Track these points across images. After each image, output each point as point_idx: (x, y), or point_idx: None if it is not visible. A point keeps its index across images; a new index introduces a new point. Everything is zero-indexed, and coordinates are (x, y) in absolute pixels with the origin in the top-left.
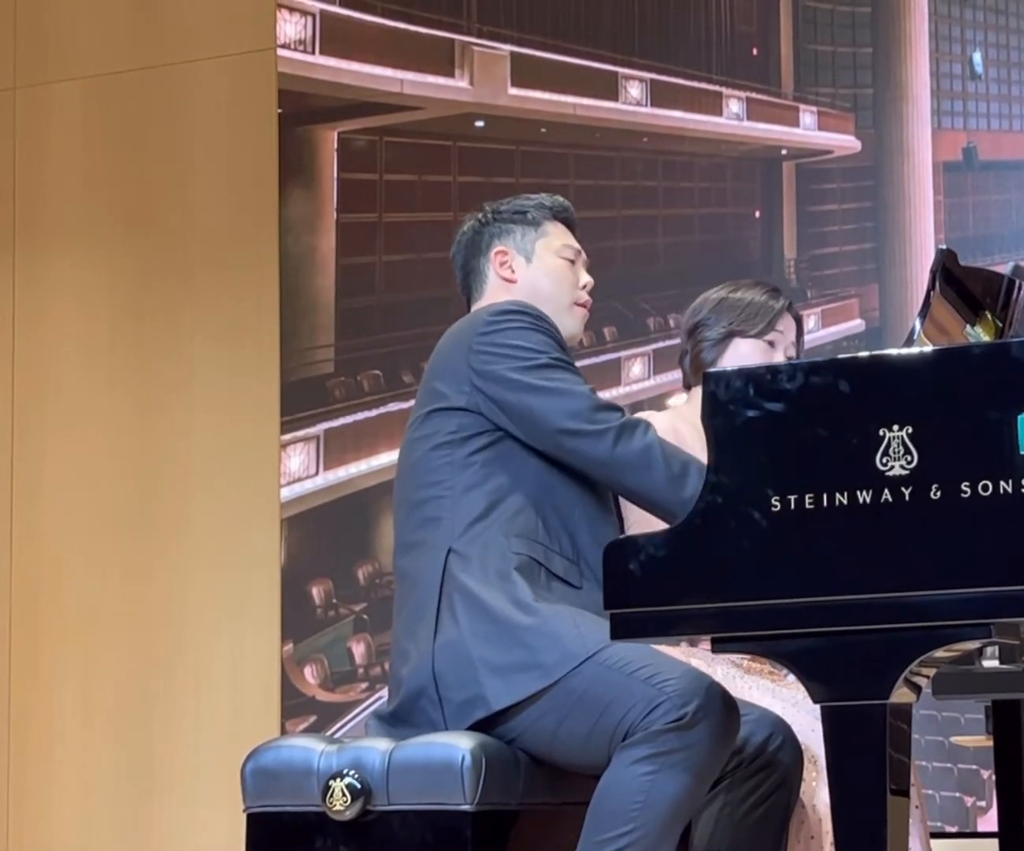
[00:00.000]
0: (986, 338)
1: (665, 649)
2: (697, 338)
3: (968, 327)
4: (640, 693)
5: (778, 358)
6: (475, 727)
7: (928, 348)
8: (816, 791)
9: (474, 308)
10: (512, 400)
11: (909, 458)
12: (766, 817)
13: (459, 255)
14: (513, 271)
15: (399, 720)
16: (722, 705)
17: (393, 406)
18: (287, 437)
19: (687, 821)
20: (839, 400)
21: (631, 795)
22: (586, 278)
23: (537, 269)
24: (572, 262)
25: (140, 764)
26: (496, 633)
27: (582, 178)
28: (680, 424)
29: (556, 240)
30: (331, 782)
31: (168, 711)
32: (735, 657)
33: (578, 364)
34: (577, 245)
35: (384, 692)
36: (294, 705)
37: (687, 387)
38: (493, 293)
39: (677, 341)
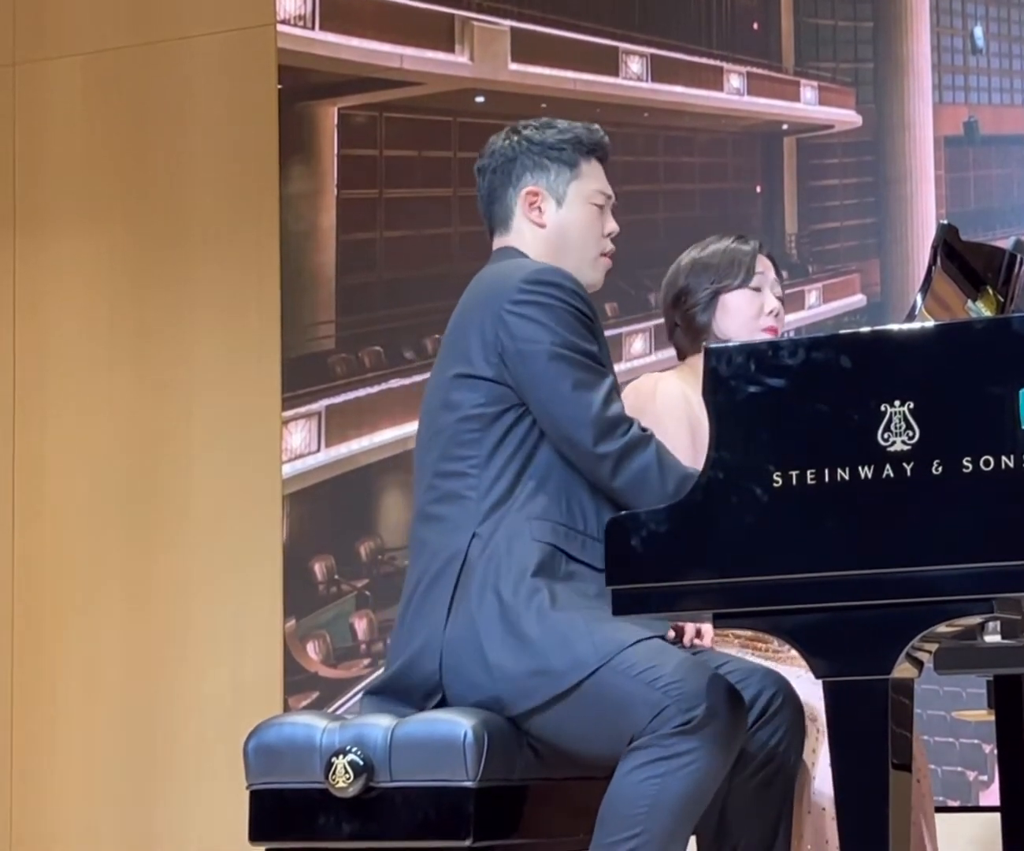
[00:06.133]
0: (987, 313)
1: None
2: (684, 307)
3: (969, 302)
4: (646, 697)
5: (767, 299)
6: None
7: (929, 323)
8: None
9: (498, 243)
10: (530, 385)
11: (911, 433)
12: (769, 784)
13: (486, 178)
14: (542, 213)
15: (394, 693)
16: (728, 706)
17: (394, 382)
18: (288, 413)
19: (696, 820)
20: (840, 375)
21: (637, 800)
22: (612, 225)
23: (567, 215)
24: (601, 208)
25: (143, 742)
26: (512, 639)
27: None
28: (690, 392)
29: (589, 184)
30: (333, 759)
31: (171, 689)
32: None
33: None
34: (609, 190)
35: None
36: (297, 681)
37: (682, 358)
38: (519, 235)
39: None
